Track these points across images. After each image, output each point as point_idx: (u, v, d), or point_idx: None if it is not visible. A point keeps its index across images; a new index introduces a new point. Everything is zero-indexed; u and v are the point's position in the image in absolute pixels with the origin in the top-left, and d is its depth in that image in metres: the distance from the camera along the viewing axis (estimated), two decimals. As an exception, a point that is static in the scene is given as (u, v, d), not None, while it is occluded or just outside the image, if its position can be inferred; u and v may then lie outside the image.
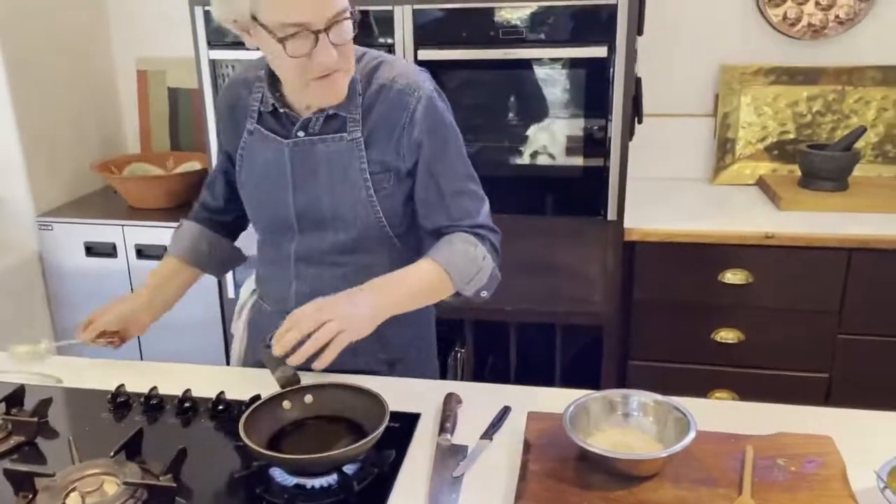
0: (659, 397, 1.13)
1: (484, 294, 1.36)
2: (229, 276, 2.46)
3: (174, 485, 1.07)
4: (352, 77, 1.28)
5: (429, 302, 1.36)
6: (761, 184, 2.54)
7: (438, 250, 1.31)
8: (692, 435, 1.04)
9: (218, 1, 1.20)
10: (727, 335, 2.24)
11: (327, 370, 1.22)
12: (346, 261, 1.37)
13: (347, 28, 1.19)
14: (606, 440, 1.10)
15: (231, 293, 2.48)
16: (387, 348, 1.43)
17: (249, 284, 1.60)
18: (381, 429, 1.10)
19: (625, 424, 1.14)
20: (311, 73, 1.19)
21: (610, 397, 1.15)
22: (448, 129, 1.34)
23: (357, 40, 1.26)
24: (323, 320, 1.18)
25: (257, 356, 1.47)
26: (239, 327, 1.60)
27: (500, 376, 2.47)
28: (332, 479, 1.09)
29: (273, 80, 1.32)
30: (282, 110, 1.32)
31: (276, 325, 1.31)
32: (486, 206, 1.39)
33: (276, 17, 1.14)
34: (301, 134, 1.31)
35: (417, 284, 1.30)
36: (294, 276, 1.41)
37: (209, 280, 2.50)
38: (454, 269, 1.30)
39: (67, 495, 1.04)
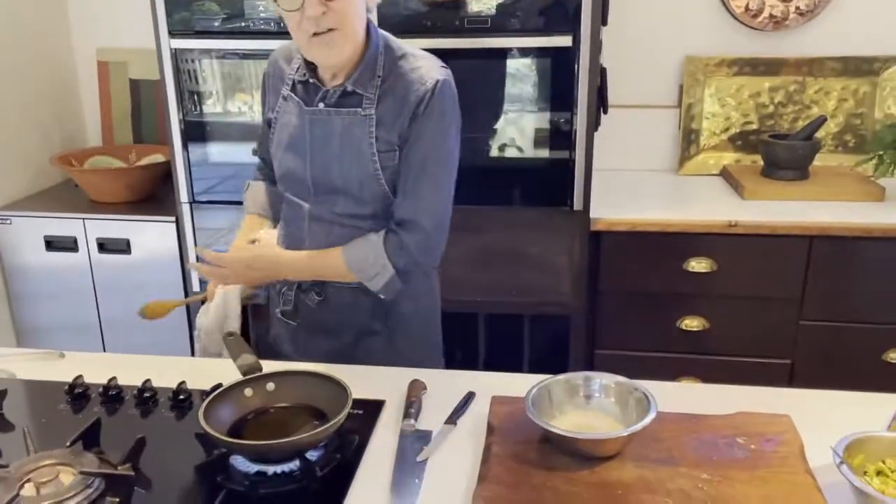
0: (620, 378, 1.14)
1: (382, 296, 1.45)
2: (194, 271, 2.43)
3: (132, 473, 1.05)
4: (374, 58, 1.38)
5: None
6: (725, 174, 2.57)
7: (350, 244, 1.43)
8: (652, 415, 1.05)
9: None
10: (692, 323, 2.26)
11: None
12: (356, 224, 1.44)
13: None
14: (568, 422, 1.11)
15: (195, 286, 2.45)
16: (386, 310, 1.50)
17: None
18: (344, 414, 1.10)
19: (587, 406, 1.14)
20: (306, 29, 1.29)
21: (572, 380, 1.16)
22: (439, 125, 1.39)
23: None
24: (225, 279, 1.51)
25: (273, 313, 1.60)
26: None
27: (469, 367, 2.46)
28: (294, 465, 1.08)
29: None
30: (311, 80, 1.41)
31: (284, 282, 1.54)
32: (440, 206, 1.42)
33: None
34: (321, 105, 1.41)
35: (322, 273, 1.47)
36: (307, 236, 1.48)
37: (174, 274, 2.49)
38: (355, 264, 1.42)
39: (22, 486, 1.02)
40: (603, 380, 1.15)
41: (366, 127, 1.38)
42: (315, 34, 1.30)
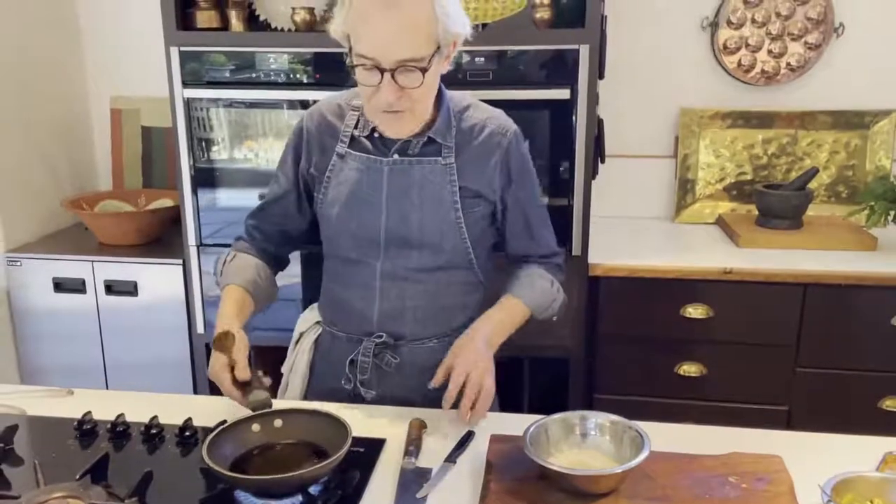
0: (615, 417, 1.17)
1: (554, 318, 1.57)
2: (199, 311, 2.47)
3: (139, 506, 1.08)
4: (447, 111, 1.41)
5: None
6: (720, 222, 2.62)
7: (523, 288, 1.50)
8: (646, 453, 1.08)
9: (335, 15, 1.30)
10: (690, 369, 2.29)
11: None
12: (428, 278, 1.44)
13: (415, 77, 1.25)
14: (565, 459, 1.14)
15: (200, 329, 2.49)
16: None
17: (311, 316, 1.61)
18: (344, 450, 1.12)
19: (583, 444, 1.17)
20: (376, 104, 1.29)
21: (569, 419, 1.19)
22: (531, 168, 1.50)
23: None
24: (471, 373, 1.32)
25: (325, 388, 1.51)
26: (300, 362, 1.58)
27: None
28: (296, 500, 1.10)
29: None
30: (376, 135, 1.41)
31: (351, 352, 1.46)
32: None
33: (356, 44, 1.26)
34: (396, 156, 1.40)
35: (513, 324, 1.48)
36: (378, 296, 1.45)
37: (179, 317, 2.52)
38: (536, 306, 1.51)
39: (32, 518, 1.05)
40: (598, 419, 1.19)
41: (447, 175, 1.39)
42: (385, 111, 1.30)
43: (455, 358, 1.35)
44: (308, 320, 1.61)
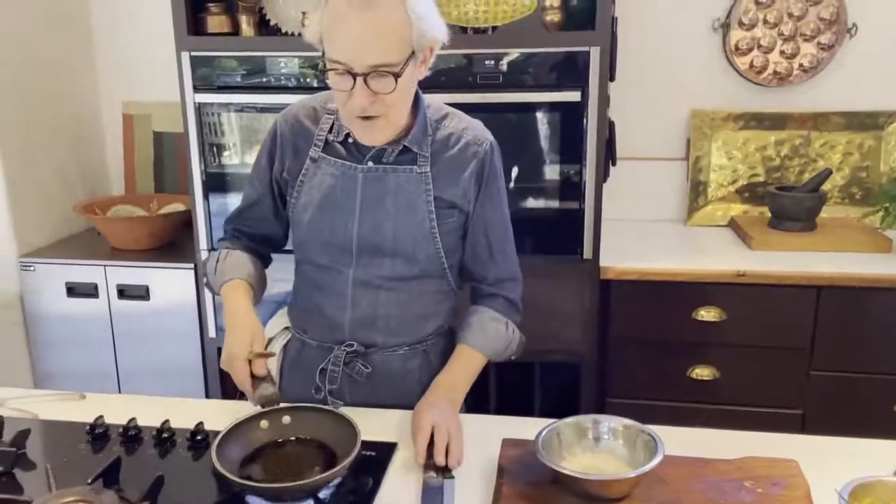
0: (628, 421, 1.16)
1: (513, 357, 1.51)
2: (210, 315, 2.47)
3: (151, 510, 1.08)
4: (423, 119, 1.38)
5: None
6: (733, 225, 2.61)
7: (475, 335, 1.45)
8: (660, 457, 1.07)
9: (310, 19, 1.28)
10: (702, 372, 2.27)
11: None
12: (401, 287, 1.41)
13: (388, 82, 1.22)
14: (578, 464, 1.13)
15: (212, 333, 2.49)
16: (430, 374, 1.46)
17: (280, 321, 1.58)
18: (352, 457, 1.11)
19: (595, 449, 1.16)
20: (351, 109, 1.26)
21: (581, 423, 1.18)
22: (501, 183, 1.46)
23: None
24: (438, 424, 1.28)
25: (295, 397, 1.44)
26: (270, 368, 1.51)
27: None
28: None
29: None
30: (350, 141, 1.38)
31: (321, 360, 1.43)
32: (516, 254, 1.52)
33: (328, 49, 1.24)
34: (371, 163, 1.37)
35: (471, 374, 1.44)
36: (350, 303, 1.42)
37: (191, 321, 2.53)
38: (492, 351, 1.46)
39: (44, 522, 1.05)
40: (611, 422, 1.18)
41: (422, 185, 1.37)
42: (359, 117, 1.27)
43: (419, 417, 1.31)
44: (277, 325, 1.57)
